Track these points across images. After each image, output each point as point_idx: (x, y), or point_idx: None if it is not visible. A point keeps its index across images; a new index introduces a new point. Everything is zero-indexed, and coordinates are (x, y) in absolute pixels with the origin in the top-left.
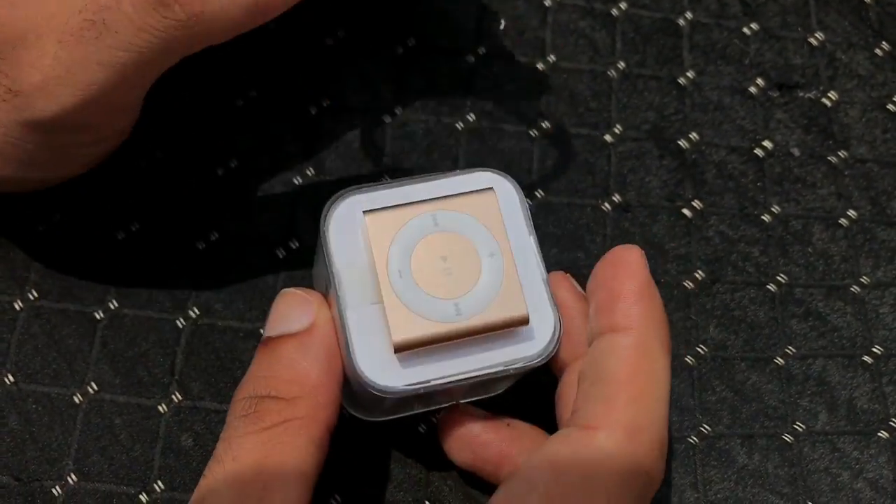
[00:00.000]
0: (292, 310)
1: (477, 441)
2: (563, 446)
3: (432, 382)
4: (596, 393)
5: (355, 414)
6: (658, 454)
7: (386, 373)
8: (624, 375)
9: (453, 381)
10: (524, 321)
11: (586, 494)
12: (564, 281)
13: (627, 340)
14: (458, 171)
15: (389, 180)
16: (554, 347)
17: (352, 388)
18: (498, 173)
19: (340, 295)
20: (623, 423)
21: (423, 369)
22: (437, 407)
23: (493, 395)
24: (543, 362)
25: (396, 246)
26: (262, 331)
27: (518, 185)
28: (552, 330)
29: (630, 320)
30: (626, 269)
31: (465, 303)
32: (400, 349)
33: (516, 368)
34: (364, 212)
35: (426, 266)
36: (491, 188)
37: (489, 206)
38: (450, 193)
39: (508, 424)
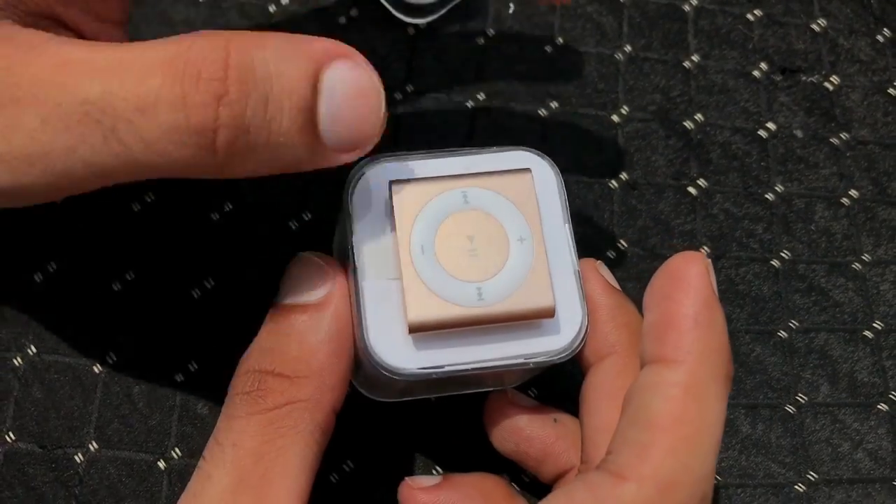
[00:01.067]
0: (307, 278)
1: (521, 434)
2: (587, 494)
3: (446, 368)
4: (633, 437)
5: (362, 391)
6: None
7: (398, 353)
8: (667, 420)
9: (469, 370)
10: (550, 313)
11: None
12: (594, 271)
13: (676, 377)
14: (497, 147)
15: (422, 151)
16: (579, 344)
17: (362, 365)
18: (538, 154)
19: (358, 266)
20: (657, 478)
21: (437, 353)
22: (449, 394)
23: (509, 387)
24: (566, 359)
25: (422, 220)
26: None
27: (558, 170)
28: (579, 326)
29: (681, 352)
30: (682, 287)
31: (488, 287)
32: (414, 330)
33: (536, 363)
34: (391, 182)
35: (451, 244)
36: (528, 169)
37: (525, 187)
38: (484, 171)
39: (556, 420)
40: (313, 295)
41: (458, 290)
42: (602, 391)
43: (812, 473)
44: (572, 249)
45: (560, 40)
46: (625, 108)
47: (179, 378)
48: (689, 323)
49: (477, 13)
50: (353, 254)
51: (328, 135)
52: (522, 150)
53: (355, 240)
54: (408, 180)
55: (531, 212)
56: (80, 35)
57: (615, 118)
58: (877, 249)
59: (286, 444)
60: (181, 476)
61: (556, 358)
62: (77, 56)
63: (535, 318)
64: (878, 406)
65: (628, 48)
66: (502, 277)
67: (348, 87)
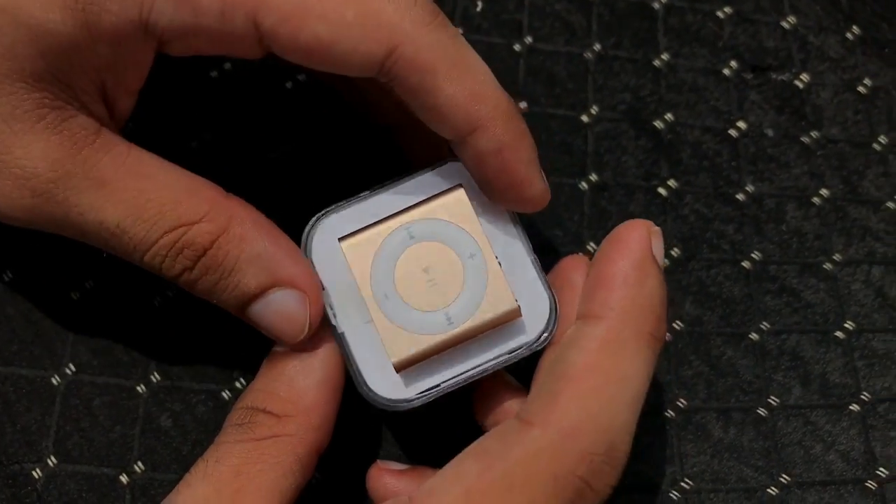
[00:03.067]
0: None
1: (510, 415)
2: (495, 440)
3: (442, 386)
4: (546, 387)
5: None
6: (601, 462)
7: (395, 388)
8: (578, 370)
9: (462, 381)
10: (516, 314)
11: (506, 493)
12: (581, 265)
13: (595, 331)
14: (425, 168)
15: (359, 194)
16: (553, 328)
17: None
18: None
19: (337, 315)
20: (561, 423)
21: (430, 377)
22: (459, 387)
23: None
24: (544, 344)
25: (377, 268)
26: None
27: None
28: (547, 312)
29: (605, 308)
30: (619, 248)
31: (454, 310)
32: (401, 368)
33: (519, 355)
34: (339, 239)
35: (410, 281)
36: (459, 185)
37: (460, 205)
38: (421, 198)
39: None
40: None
41: (428, 321)
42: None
43: (785, 476)
44: (524, 241)
45: (529, 39)
46: (594, 107)
47: (142, 389)
48: (617, 281)
49: (443, 10)
50: (327, 305)
51: (253, 318)
52: (448, 162)
53: (325, 293)
54: (354, 233)
55: (473, 227)
56: (108, 102)
57: (584, 118)
58: (848, 249)
59: (265, 468)
60: (144, 490)
61: (534, 346)
62: (111, 176)
63: (506, 322)
64: (850, 407)
65: (598, 47)
66: (464, 297)
67: (283, 310)
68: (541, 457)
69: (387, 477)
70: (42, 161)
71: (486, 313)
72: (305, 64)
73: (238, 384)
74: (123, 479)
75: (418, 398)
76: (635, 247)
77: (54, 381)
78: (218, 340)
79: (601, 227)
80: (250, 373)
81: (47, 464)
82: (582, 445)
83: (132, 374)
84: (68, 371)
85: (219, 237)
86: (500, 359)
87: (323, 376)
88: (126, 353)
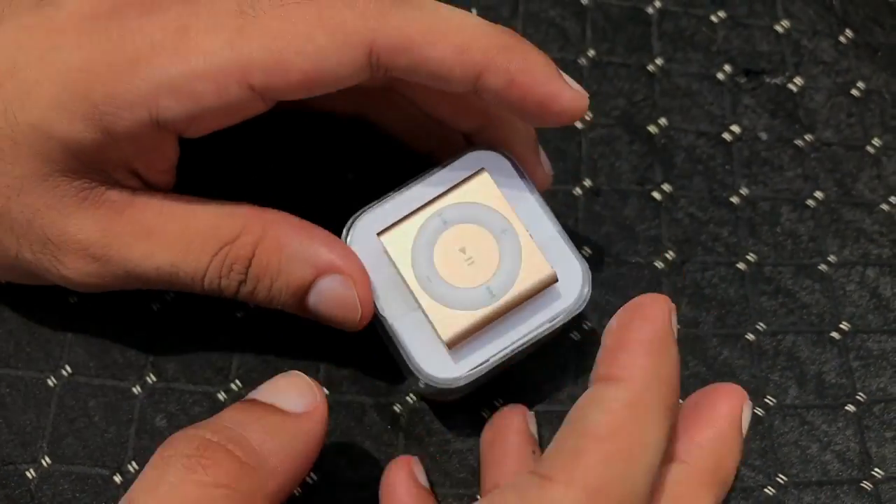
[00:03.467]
0: (295, 390)
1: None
2: (513, 496)
3: (491, 360)
4: (568, 444)
5: (439, 401)
6: None
7: (447, 367)
8: (604, 430)
9: (510, 353)
10: (553, 279)
11: None
12: (661, 320)
13: (619, 393)
14: (448, 160)
15: (390, 192)
16: (588, 290)
17: (423, 388)
18: (483, 149)
19: (383, 308)
20: (587, 481)
21: (479, 352)
22: (509, 366)
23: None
24: (581, 307)
25: (417, 254)
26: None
27: (507, 153)
28: (581, 276)
29: (629, 372)
30: (641, 317)
31: (495, 284)
32: (453, 344)
33: (562, 320)
34: (378, 234)
35: (450, 262)
36: (482, 169)
37: (486, 186)
38: (448, 186)
39: (533, 452)
40: (293, 404)
41: (472, 297)
42: None
43: (781, 476)
44: (548, 214)
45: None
46: (588, 113)
47: (137, 391)
48: (641, 348)
49: None
50: (375, 300)
51: (314, 312)
52: (471, 150)
53: (372, 289)
54: (391, 227)
55: (500, 203)
56: (143, 180)
57: (578, 124)
58: (842, 251)
59: None
60: None
61: (575, 309)
62: (154, 225)
63: (545, 289)
64: (846, 407)
65: (592, 52)
66: (502, 271)
67: (332, 295)
68: None
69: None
70: (93, 230)
71: (525, 282)
72: (304, 97)
73: (234, 385)
74: (117, 479)
75: (471, 373)
76: (659, 318)
77: (50, 383)
78: (214, 342)
79: (595, 231)
80: (246, 375)
81: (41, 464)
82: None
83: (128, 376)
84: (64, 372)
85: (258, 246)
86: (543, 327)
87: (299, 446)
88: (122, 354)
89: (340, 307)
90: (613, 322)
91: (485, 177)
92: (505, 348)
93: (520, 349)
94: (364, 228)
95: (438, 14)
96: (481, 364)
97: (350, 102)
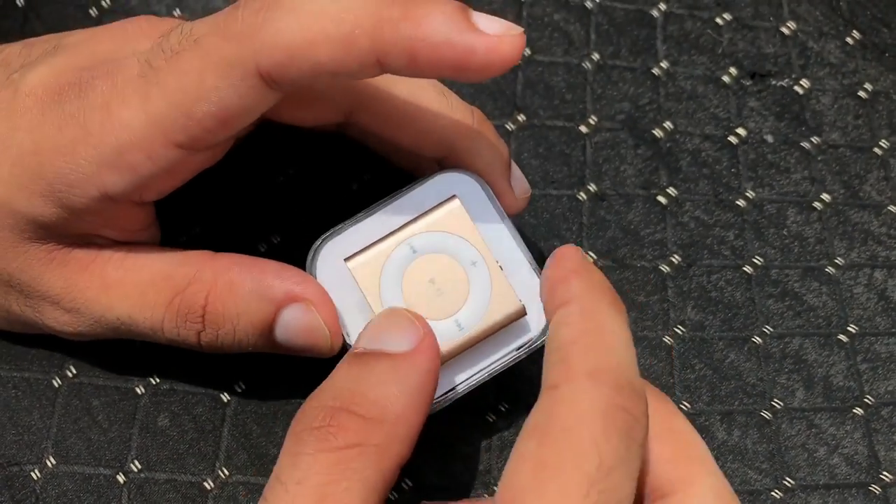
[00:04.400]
0: (396, 328)
1: None
2: (534, 415)
3: (458, 388)
4: (552, 360)
5: None
6: (630, 390)
7: None
8: (575, 335)
9: (478, 381)
10: (522, 313)
11: (573, 447)
12: (575, 255)
13: (572, 308)
14: (419, 180)
15: (357, 215)
16: None
17: None
18: (456, 172)
19: (350, 335)
20: (583, 372)
21: (444, 382)
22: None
23: None
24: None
25: (385, 284)
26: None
27: (478, 177)
28: None
29: (570, 293)
30: (561, 258)
31: (463, 316)
32: None
33: (528, 349)
34: (345, 259)
35: (417, 293)
36: (454, 196)
37: (457, 215)
38: (418, 213)
39: None
40: (399, 344)
41: (440, 329)
42: None
43: (788, 479)
44: (519, 243)
45: (527, 51)
46: (593, 118)
47: (141, 391)
48: (571, 274)
49: None
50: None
51: (284, 345)
52: (443, 173)
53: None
54: (358, 253)
55: (472, 234)
56: (114, 240)
57: (583, 129)
58: (850, 253)
59: (351, 486)
60: (140, 489)
61: (539, 342)
62: (114, 279)
63: (513, 322)
64: (854, 410)
65: (596, 56)
66: (471, 303)
67: (297, 326)
68: (580, 402)
69: None
70: (59, 287)
71: (493, 315)
72: (229, 135)
73: (237, 388)
74: (120, 478)
75: (442, 399)
76: (573, 253)
77: (55, 384)
78: None
79: (600, 237)
80: (249, 375)
81: (46, 464)
82: (609, 379)
83: (132, 377)
84: (69, 373)
85: (209, 293)
86: (509, 356)
87: (417, 384)
88: (126, 356)
89: (308, 334)
90: (543, 275)
91: (456, 205)
92: (470, 378)
93: (484, 380)
94: (330, 252)
95: (312, 10)
96: (450, 391)
97: (330, 124)
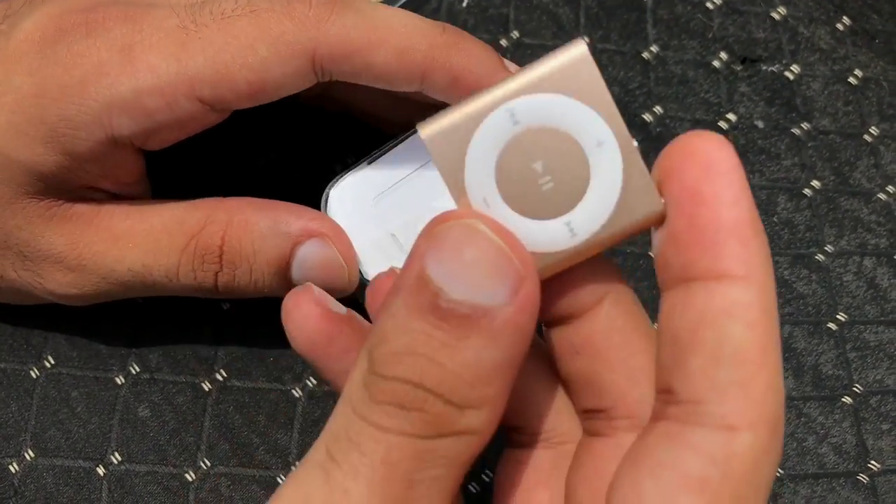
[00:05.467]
0: (492, 271)
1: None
2: (700, 459)
3: None
4: (724, 376)
5: None
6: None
7: None
8: (756, 352)
9: None
10: (662, 217)
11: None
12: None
13: (749, 297)
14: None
15: (372, 153)
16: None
17: None
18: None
19: (369, 273)
20: (769, 420)
21: None
22: None
23: None
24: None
25: (471, 166)
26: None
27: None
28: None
29: (748, 267)
30: (730, 185)
31: (578, 218)
32: None
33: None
34: (417, 125)
35: (517, 182)
36: (582, 44)
37: (582, 71)
38: (525, 72)
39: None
40: (496, 294)
41: (546, 233)
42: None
43: (777, 469)
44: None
45: (515, 34)
46: None
47: (120, 381)
48: (749, 230)
49: (428, 6)
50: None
51: (301, 283)
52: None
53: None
54: (436, 119)
55: (601, 101)
56: (111, 193)
57: None
58: (839, 240)
59: (441, 474)
60: (121, 482)
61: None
62: (122, 230)
63: (648, 228)
64: (843, 399)
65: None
66: (590, 200)
67: (315, 261)
68: (762, 463)
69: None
70: (63, 244)
71: (621, 219)
72: (253, 105)
73: (219, 376)
74: (100, 470)
75: None
76: (741, 177)
77: (33, 374)
78: (199, 333)
79: None
80: (231, 365)
81: (24, 457)
82: (781, 437)
83: (111, 366)
84: (47, 364)
85: (226, 232)
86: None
87: (516, 351)
88: (105, 345)
89: (326, 269)
90: (678, 183)
91: (581, 53)
92: None
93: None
94: (343, 193)
95: (377, 18)
96: None
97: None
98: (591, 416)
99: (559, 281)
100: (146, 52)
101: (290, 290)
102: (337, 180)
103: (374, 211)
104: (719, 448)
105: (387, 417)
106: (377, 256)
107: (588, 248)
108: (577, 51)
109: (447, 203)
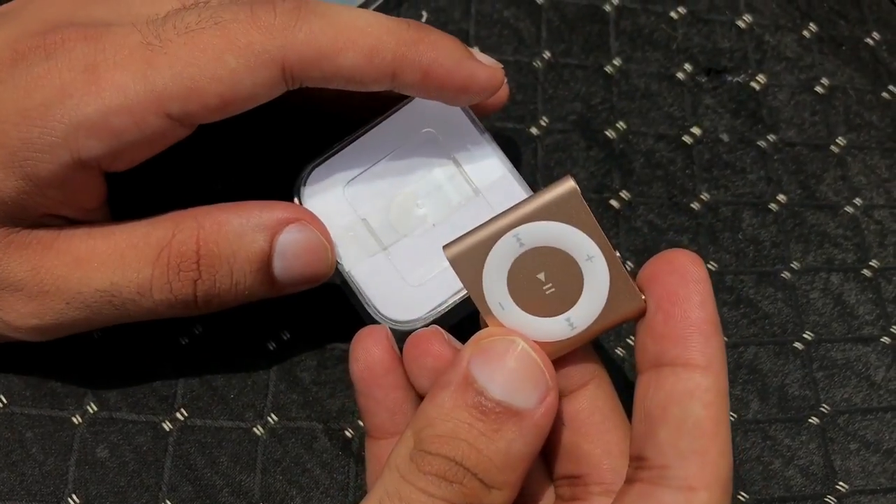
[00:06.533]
0: (527, 379)
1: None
2: None
3: (448, 301)
4: (685, 446)
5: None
6: None
7: (406, 309)
8: (711, 426)
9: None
10: (643, 311)
11: None
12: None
13: (708, 382)
14: (395, 108)
15: (338, 144)
16: None
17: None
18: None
19: (342, 255)
20: (721, 480)
21: (438, 294)
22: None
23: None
24: None
25: (488, 278)
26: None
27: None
28: None
29: (708, 359)
30: (696, 289)
31: (576, 315)
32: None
33: None
34: (444, 247)
35: (525, 288)
36: (569, 179)
37: (571, 202)
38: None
39: None
40: (529, 400)
41: (550, 327)
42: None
43: (743, 494)
44: (499, 153)
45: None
46: (544, 119)
47: (77, 420)
48: (711, 328)
49: None
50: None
51: (283, 279)
52: (417, 99)
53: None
54: (457, 241)
55: (588, 224)
56: (72, 220)
57: (534, 130)
58: (806, 256)
59: None
60: None
61: None
62: (84, 251)
63: (632, 319)
64: (810, 420)
65: (547, 54)
66: (585, 301)
67: (297, 246)
68: None
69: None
70: (23, 270)
71: (610, 314)
72: (223, 118)
73: (179, 415)
74: None
75: (429, 314)
76: (708, 286)
77: None
78: (157, 369)
79: None
80: (191, 403)
81: None
82: (730, 495)
83: (67, 405)
84: (0, 403)
85: (198, 236)
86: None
87: (538, 443)
88: (61, 382)
89: (309, 253)
90: (659, 287)
91: (570, 188)
92: (461, 290)
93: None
94: (313, 183)
95: (343, 20)
96: (439, 305)
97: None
98: (567, 483)
99: (558, 364)
100: (111, 70)
101: (272, 289)
102: (308, 168)
103: (345, 197)
104: None
105: (433, 486)
106: (349, 242)
107: (584, 336)
108: (566, 186)
109: (416, 188)
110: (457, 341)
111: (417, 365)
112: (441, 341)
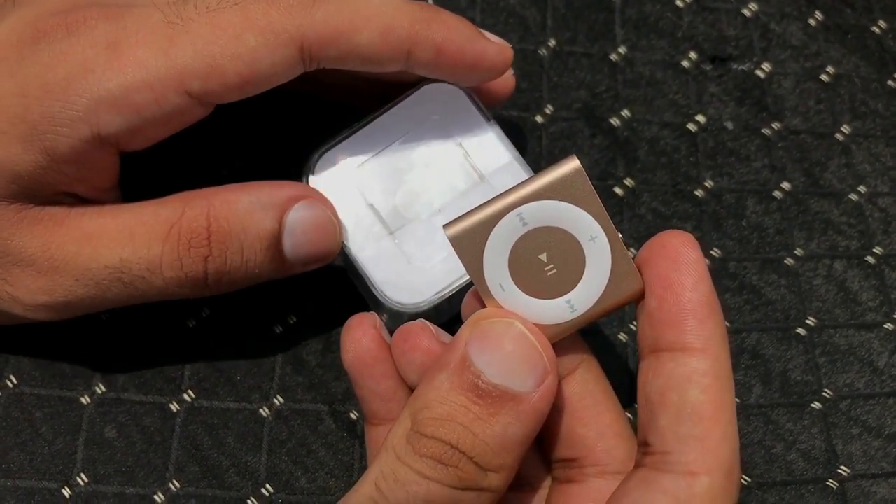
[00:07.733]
0: (524, 362)
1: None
2: (667, 498)
3: (453, 285)
4: (685, 431)
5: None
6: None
7: (411, 292)
8: (711, 410)
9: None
10: (642, 294)
11: None
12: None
13: (705, 366)
14: (404, 94)
15: (347, 129)
16: None
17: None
18: (434, 82)
19: (348, 240)
20: (723, 465)
21: (443, 278)
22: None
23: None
24: None
25: (489, 258)
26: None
27: (460, 85)
28: None
29: (704, 341)
30: (691, 271)
31: (576, 297)
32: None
33: None
34: (444, 226)
35: (526, 270)
36: (573, 159)
37: (576, 181)
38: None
39: None
40: (526, 383)
41: (549, 309)
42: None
43: (745, 477)
44: (504, 141)
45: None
46: (549, 107)
47: (86, 400)
48: (707, 310)
49: None
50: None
51: (293, 258)
52: (425, 85)
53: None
54: (458, 220)
55: (592, 204)
56: (84, 199)
57: (539, 119)
58: (809, 243)
59: None
60: (87, 503)
61: None
62: (94, 228)
63: (632, 302)
64: (812, 405)
65: (552, 42)
66: (586, 283)
67: (306, 223)
68: (719, 501)
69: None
70: (35, 246)
71: (610, 297)
72: (242, 98)
73: (186, 396)
74: (66, 492)
75: (434, 298)
76: (702, 267)
77: None
78: (165, 351)
79: None
80: (198, 385)
81: None
82: (736, 479)
83: (76, 385)
84: (9, 383)
85: (209, 213)
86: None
87: (535, 427)
88: (69, 363)
89: (318, 230)
90: (652, 267)
91: (574, 167)
92: (464, 275)
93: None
94: (322, 167)
95: (359, 1)
96: (445, 288)
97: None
98: (563, 465)
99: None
100: (133, 48)
101: (282, 267)
102: (317, 154)
103: (353, 182)
104: (682, 491)
105: (428, 468)
106: (356, 226)
107: (584, 319)
108: (571, 165)
109: (422, 173)
110: (446, 335)
111: (406, 360)
112: (430, 336)
